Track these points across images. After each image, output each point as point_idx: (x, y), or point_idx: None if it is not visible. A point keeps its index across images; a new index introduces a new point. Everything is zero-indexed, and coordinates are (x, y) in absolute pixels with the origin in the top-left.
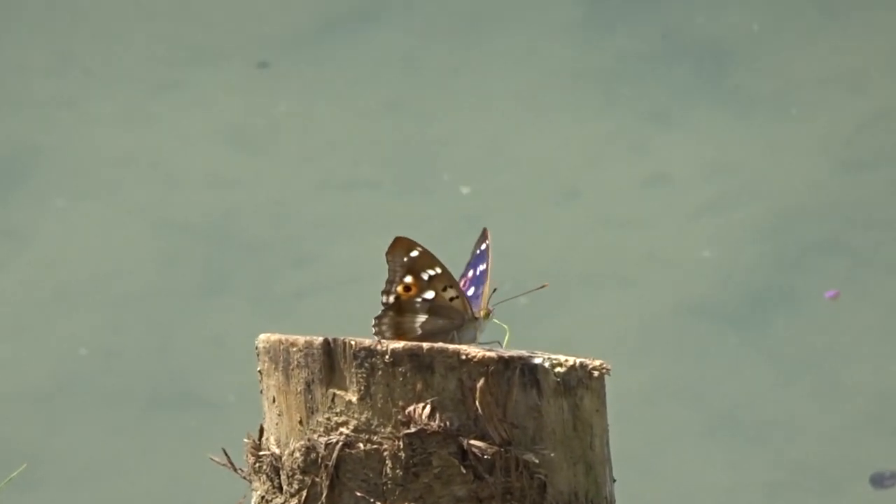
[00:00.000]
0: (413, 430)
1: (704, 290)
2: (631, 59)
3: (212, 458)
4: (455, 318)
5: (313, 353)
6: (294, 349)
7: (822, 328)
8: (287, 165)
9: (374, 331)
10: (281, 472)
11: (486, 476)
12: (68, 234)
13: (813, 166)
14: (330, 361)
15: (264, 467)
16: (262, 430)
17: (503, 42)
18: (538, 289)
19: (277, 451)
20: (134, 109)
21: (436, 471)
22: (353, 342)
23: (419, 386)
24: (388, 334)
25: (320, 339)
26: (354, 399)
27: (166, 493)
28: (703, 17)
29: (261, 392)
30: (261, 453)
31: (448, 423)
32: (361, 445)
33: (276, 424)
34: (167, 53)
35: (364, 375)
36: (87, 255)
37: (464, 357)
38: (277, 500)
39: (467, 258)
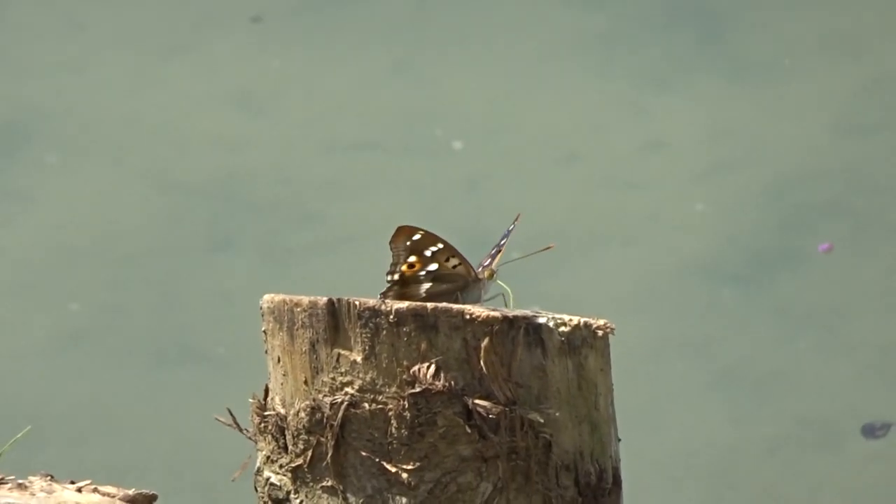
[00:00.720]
0: (418, 389)
1: (706, 249)
2: (630, 23)
3: (217, 418)
4: (458, 281)
5: (318, 314)
6: (298, 309)
7: (824, 286)
8: (291, 127)
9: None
10: (286, 432)
11: (491, 435)
12: (74, 195)
13: (812, 130)
14: (334, 321)
15: (269, 427)
16: (267, 390)
17: (506, 6)
18: (543, 250)
19: (283, 412)
20: (140, 73)
21: (441, 430)
22: (357, 302)
23: (424, 346)
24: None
25: (325, 299)
26: (359, 359)
27: (172, 451)
28: None
29: (266, 352)
30: (266, 413)
31: (453, 382)
32: (366, 405)
33: (282, 384)
34: (174, 17)
35: (369, 335)
36: (93, 215)
37: (468, 317)
38: (283, 459)
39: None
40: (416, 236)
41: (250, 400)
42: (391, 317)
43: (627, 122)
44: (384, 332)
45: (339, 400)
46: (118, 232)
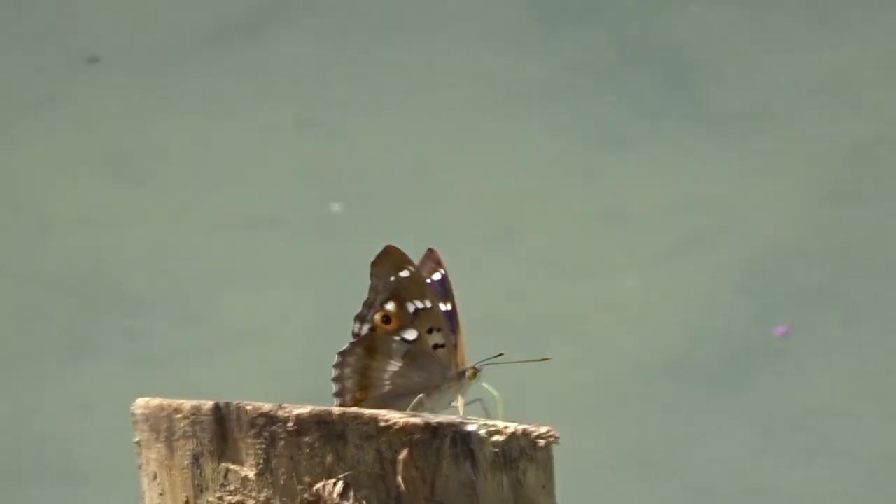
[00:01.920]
0: None
1: (671, 342)
2: (579, 70)
3: None
4: (434, 373)
5: (202, 421)
6: (179, 416)
7: (811, 386)
8: (171, 200)
9: (334, 373)
10: None
11: None
12: None
13: (799, 198)
14: (222, 430)
15: None
16: None
17: (428, 51)
18: (540, 360)
19: None
20: None
21: None
22: (248, 406)
23: (329, 459)
24: (349, 382)
25: (210, 403)
26: (252, 475)
27: None
28: (664, 20)
29: (139, 467)
30: None
31: (364, 502)
32: None
33: None
34: (36, 64)
35: (263, 447)
36: None
37: (383, 424)
38: None
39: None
40: (404, 273)
41: None
42: (290, 424)
43: (576, 189)
44: (282, 442)
45: None
46: None
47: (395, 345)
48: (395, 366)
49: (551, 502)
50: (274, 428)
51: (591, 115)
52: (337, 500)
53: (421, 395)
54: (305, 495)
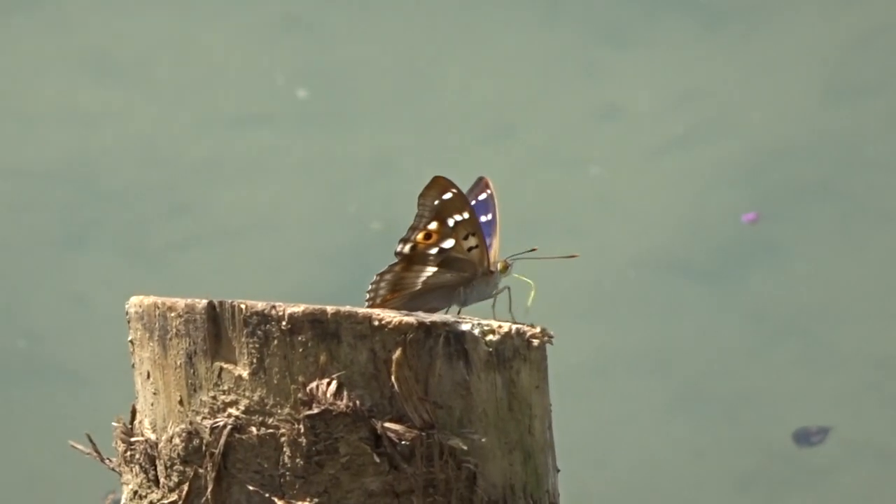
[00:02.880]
0: (316, 410)
1: (669, 240)
2: None
3: (73, 445)
4: (467, 270)
5: (195, 319)
6: (172, 314)
7: (807, 284)
8: (159, 98)
9: (370, 286)
10: (157, 462)
11: (404, 466)
12: None
13: (796, 93)
14: (215, 329)
15: (137, 456)
16: (134, 412)
17: None
18: (568, 257)
19: (153, 437)
20: None
21: (343, 460)
22: (242, 305)
23: (323, 358)
24: (383, 290)
25: (204, 302)
26: (245, 374)
27: (19, 485)
28: None
29: (132, 366)
30: (133, 439)
31: (358, 402)
32: (254, 430)
33: (152, 405)
34: None
35: (257, 346)
36: None
37: (376, 323)
38: (153, 495)
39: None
40: (447, 195)
41: (114, 423)
42: (283, 323)
43: (574, 85)
44: (275, 341)
45: (222, 423)
46: None
47: (431, 256)
48: (429, 272)
49: (545, 402)
50: (268, 327)
51: (589, 12)
52: (331, 400)
53: (450, 292)
54: (299, 395)
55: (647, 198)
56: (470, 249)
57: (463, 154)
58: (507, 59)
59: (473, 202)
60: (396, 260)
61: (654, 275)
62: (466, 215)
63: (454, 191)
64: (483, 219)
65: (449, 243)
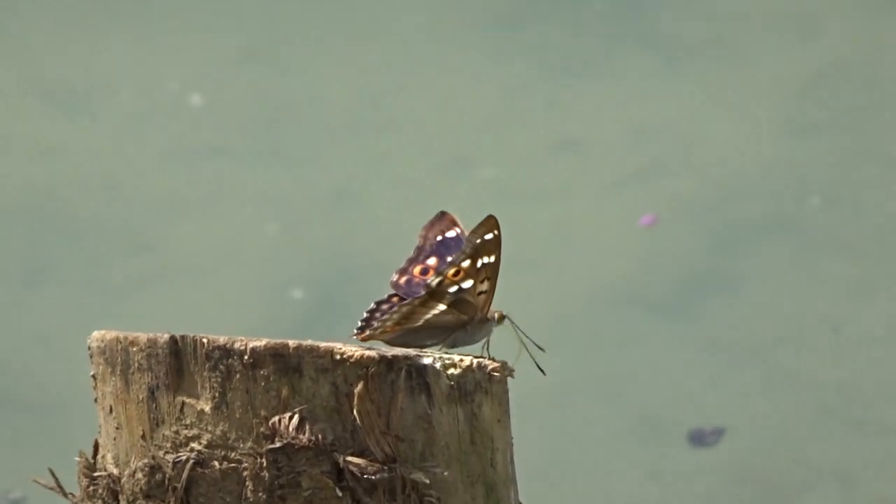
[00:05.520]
0: (278, 444)
1: (626, 273)
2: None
3: (36, 480)
4: (468, 314)
5: (157, 354)
6: (134, 349)
7: (765, 314)
8: (121, 130)
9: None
10: (120, 497)
11: (367, 499)
12: None
13: (754, 129)
14: (178, 363)
15: (100, 491)
16: (96, 447)
17: None
18: (539, 370)
19: (116, 472)
20: None
21: (306, 493)
22: (204, 340)
23: (285, 392)
24: (389, 323)
25: (166, 336)
26: (207, 408)
27: None
28: None
29: (95, 400)
30: (96, 474)
31: (320, 436)
32: (216, 464)
33: (114, 439)
34: None
35: (219, 380)
36: None
37: (338, 357)
38: None
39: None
40: (489, 236)
41: (76, 458)
42: (245, 357)
43: (533, 118)
44: (237, 375)
45: (184, 457)
46: None
47: (449, 293)
48: (439, 309)
49: (506, 435)
50: (230, 361)
51: (547, 45)
52: (293, 434)
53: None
54: (261, 429)
55: (605, 231)
56: (480, 294)
57: (420, 187)
58: (464, 92)
59: (440, 238)
60: (422, 293)
61: (612, 307)
62: (493, 259)
63: (496, 232)
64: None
65: (468, 283)
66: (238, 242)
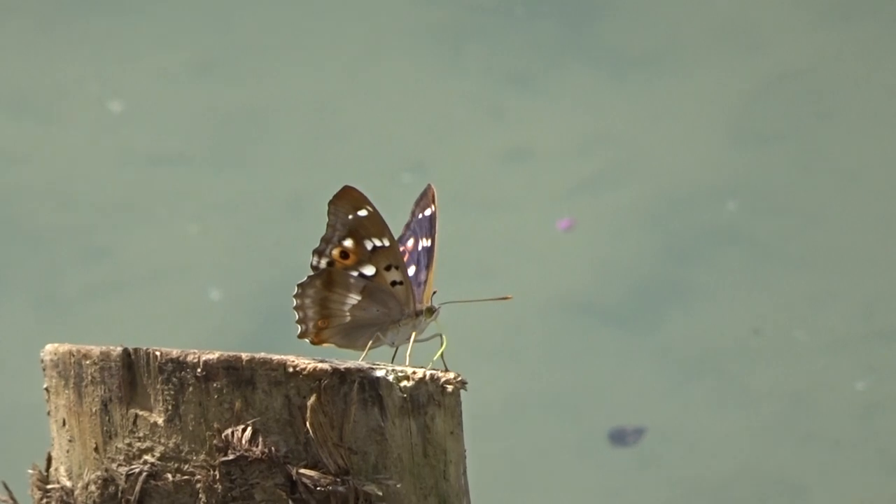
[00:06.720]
0: (231, 457)
1: (577, 282)
2: (482, 9)
3: None
4: (392, 308)
5: (110, 367)
6: (87, 362)
7: (718, 325)
8: (74, 137)
9: (295, 302)
10: None
11: None
12: None
13: (703, 137)
14: (130, 376)
15: (53, 503)
16: (49, 459)
17: None
18: (499, 299)
19: (69, 485)
20: None
21: None
22: (157, 352)
23: (238, 405)
24: (310, 312)
25: (119, 349)
26: (161, 421)
27: None
28: None
29: (48, 413)
30: (49, 486)
31: (273, 448)
32: (170, 476)
33: (67, 452)
34: None
35: (172, 393)
36: None
37: (291, 369)
38: None
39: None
40: (362, 212)
41: (29, 471)
42: (199, 370)
43: (482, 128)
44: (190, 388)
45: (137, 470)
46: None
47: (352, 279)
48: (353, 299)
49: (460, 447)
50: (183, 373)
51: (494, 57)
52: (246, 447)
53: (378, 331)
54: (214, 441)
55: (557, 241)
56: (394, 284)
57: (373, 190)
58: (414, 102)
59: (420, 216)
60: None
61: (565, 317)
62: (387, 242)
63: (369, 209)
64: (425, 243)
65: (369, 270)
66: (192, 250)
